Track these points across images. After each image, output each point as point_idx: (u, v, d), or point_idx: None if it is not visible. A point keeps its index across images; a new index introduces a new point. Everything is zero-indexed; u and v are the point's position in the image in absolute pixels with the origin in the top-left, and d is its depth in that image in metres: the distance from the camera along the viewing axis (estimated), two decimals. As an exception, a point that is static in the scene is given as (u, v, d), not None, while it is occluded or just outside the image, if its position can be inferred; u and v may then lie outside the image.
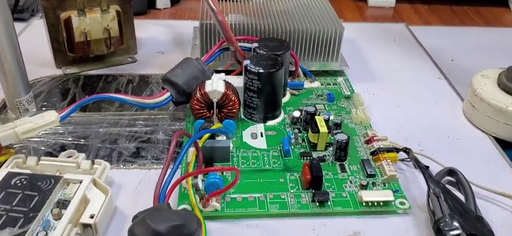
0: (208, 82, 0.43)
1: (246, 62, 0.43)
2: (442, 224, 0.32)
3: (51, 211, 0.33)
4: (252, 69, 0.42)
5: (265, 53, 0.46)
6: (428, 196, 0.35)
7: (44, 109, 0.48)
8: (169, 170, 0.34)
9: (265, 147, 0.42)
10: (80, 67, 0.56)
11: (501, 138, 0.46)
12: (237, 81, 0.46)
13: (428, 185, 0.35)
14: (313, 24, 0.53)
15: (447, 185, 0.36)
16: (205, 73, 0.45)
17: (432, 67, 0.61)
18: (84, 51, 0.54)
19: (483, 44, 0.69)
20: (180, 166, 0.40)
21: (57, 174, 0.37)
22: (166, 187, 0.33)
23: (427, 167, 0.38)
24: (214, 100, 0.42)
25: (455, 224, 0.32)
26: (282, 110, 0.47)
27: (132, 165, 0.41)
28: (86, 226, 0.33)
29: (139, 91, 0.52)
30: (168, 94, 0.43)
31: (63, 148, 0.42)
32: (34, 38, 0.62)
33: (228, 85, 0.43)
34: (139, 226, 0.29)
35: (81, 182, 0.36)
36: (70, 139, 0.44)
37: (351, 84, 0.53)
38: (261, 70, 0.42)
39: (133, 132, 0.45)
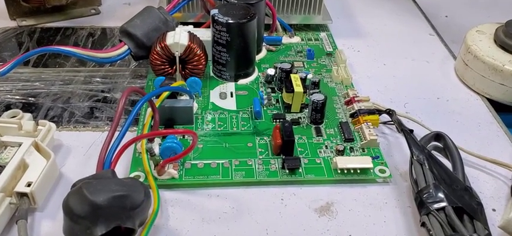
0: (170, 34, 0.38)
1: (214, 12, 0.38)
2: (425, 196, 0.29)
3: (-18, 178, 0.29)
4: (220, 20, 0.38)
5: (236, 1, 0.41)
6: (411, 163, 0.31)
7: (-9, 64, 0.43)
8: (117, 133, 0.30)
9: (235, 108, 0.38)
10: (37, 19, 0.50)
11: (495, 100, 0.42)
12: (207, 34, 0.41)
13: (411, 151, 0.31)
14: (294, -28, 0.48)
15: (433, 152, 0.32)
16: (169, 24, 0.40)
17: (424, 23, 0.56)
18: (40, 1, 0.49)
19: (481, -1, 0.64)
20: (136, 128, 0.36)
21: (-3, 136, 0.33)
22: (113, 151, 0.29)
23: (412, 131, 0.34)
24: (177, 54, 0.38)
25: (440, 195, 0.28)
26: (256, 67, 0.43)
27: (84, 127, 0.37)
28: (21, 195, 0.29)
29: (99, 45, 0.47)
30: (126, 47, 0.39)
31: (8, 107, 0.38)
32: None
33: (193, 37, 0.38)
34: (74, 197, 0.25)
35: (20, 145, 0.31)
36: (18, 97, 0.39)
37: (334, 39, 0.49)
38: (230, 21, 0.38)
39: (88, 90, 0.40)
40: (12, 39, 0.48)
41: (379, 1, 0.61)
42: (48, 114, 0.38)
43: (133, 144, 0.32)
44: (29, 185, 0.29)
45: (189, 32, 0.39)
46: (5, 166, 0.30)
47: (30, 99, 0.39)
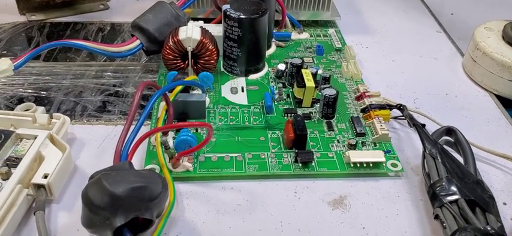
0: (182, 29, 0.38)
1: (226, 7, 0.39)
2: (438, 189, 0.29)
3: (-1, 169, 0.29)
4: (232, 15, 0.38)
5: (247, -3, 0.41)
6: (424, 157, 0.32)
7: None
8: (133, 126, 0.30)
9: (246, 103, 0.38)
10: (46, 14, 0.51)
11: (503, 96, 0.42)
12: (217, 30, 0.41)
13: (424, 145, 0.32)
14: (303, -31, 0.48)
15: (444, 146, 0.33)
16: (180, 20, 0.40)
17: (431, 20, 0.56)
18: (50, -4, 0.49)
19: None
20: (149, 121, 0.36)
21: (11, 129, 0.33)
22: (129, 143, 0.29)
23: (424, 125, 0.34)
24: (189, 49, 0.38)
25: (453, 188, 0.29)
26: (266, 63, 0.43)
27: (96, 120, 0.37)
28: (38, 186, 0.29)
29: (109, 40, 0.47)
30: (138, 42, 0.39)
31: (21, 100, 0.38)
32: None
33: (205, 32, 0.39)
34: (93, 188, 0.25)
35: (36, 138, 0.32)
36: (30, 91, 0.39)
37: (343, 36, 0.49)
38: (242, 16, 0.38)
39: (100, 84, 0.40)
40: (22, 34, 0.48)
41: (385, -2, 0.61)
42: (60, 108, 0.38)
43: (148, 137, 0.33)
44: (45, 177, 0.29)
45: (201, 27, 0.39)
46: (21, 158, 0.30)
47: (42, 92, 0.39)
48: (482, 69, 0.43)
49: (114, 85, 0.40)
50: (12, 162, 0.30)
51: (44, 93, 0.39)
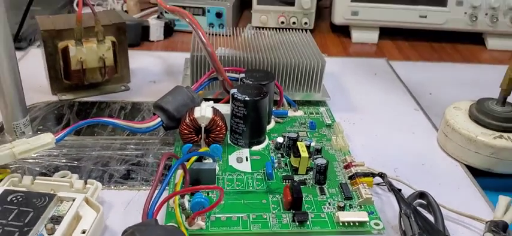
0: (197, 109, 0.45)
1: (233, 91, 0.46)
2: (412, 243, 0.35)
3: (45, 226, 0.35)
4: (239, 97, 0.45)
5: (251, 82, 0.49)
6: (400, 216, 0.38)
7: (39, 132, 0.50)
8: (157, 189, 0.36)
9: (250, 170, 0.45)
10: (75, 94, 0.58)
11: (472, 166, 0.49)
12: (225, 109, 0.49)
13: (400, 206, 0.38)
14: (297, 58, 0.56)
15: (418, 208, 0.39)
16: (195, 101, 0.47)
17: (410, 99, 0.64)
18: (79, 79, 0.56)
19: (460, 79, 0.72)
20: (167, 187, 0.42)
21: (51, 192, 0.39)
22: (154, 204, 0.36)
23: (400, 190, 0.40)
24: (203, 125, 0.45)
25: (424, 242, 0.34)
26: (266, 136, 0.50)
27: (122, 186, 0.43)
28: (77, 241, 0.35)
29: (131, 117, 0.54)
30: (159, 119, 0.46)
31: (57, 169, 0.44)
32: (31, 65, 0.65)
33: (216, 111, 0.46)
34: (128, 239, 0.31)
35: (74, 200, 0.38)
36: (64, 160, 0.46)
37: (332, 113, 0.56)
38: (247, 98, 0.45)
39: (124, 155, 0.47)
40: (55, 111, 0.55)
41: (370, 81, 0.69)
42: (91, 175, 0.44)
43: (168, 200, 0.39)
44: (83, 232, 0.35)
45: (212, 107, 0.46)
46: (63, 217, 0.36)
47: (74, 162, 0.46)
48: (453, 143, 0.50)
49: (136, 156, 0.47)
50: (56, 220, 0.36)
51: (76, 162, 0.46)
